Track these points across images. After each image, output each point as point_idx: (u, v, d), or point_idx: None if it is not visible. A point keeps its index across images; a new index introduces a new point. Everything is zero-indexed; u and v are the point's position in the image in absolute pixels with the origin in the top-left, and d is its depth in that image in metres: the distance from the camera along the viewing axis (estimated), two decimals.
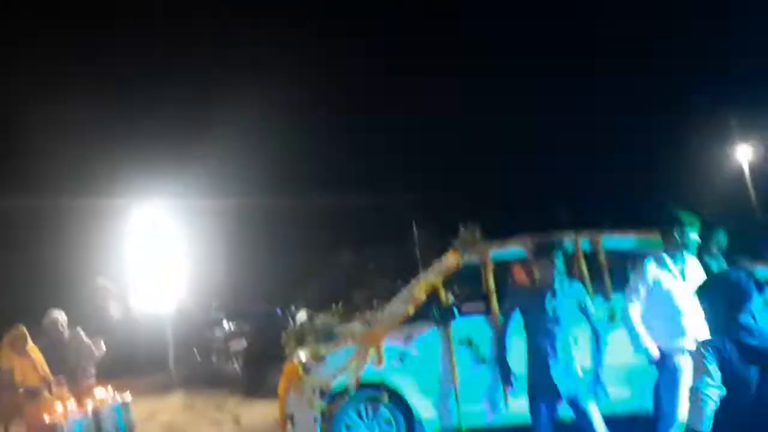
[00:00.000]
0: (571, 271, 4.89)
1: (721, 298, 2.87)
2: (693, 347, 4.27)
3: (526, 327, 4.35)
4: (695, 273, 4.55)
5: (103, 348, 7.11)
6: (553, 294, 4.23)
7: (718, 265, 5.40)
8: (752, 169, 15.23)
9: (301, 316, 9.45)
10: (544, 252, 4.34)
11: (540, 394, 4.26)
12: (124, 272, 11.58)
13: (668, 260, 4.50)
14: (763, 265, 5.60)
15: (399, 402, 5.54)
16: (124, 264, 11.61)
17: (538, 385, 4.26)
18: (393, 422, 5.54)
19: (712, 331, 2.90)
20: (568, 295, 4.28)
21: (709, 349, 2.78)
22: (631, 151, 14.21)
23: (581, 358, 4.33)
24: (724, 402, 2.69)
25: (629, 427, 4.88)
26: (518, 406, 5.39)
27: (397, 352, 5.61)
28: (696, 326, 4.36)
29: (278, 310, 11.92)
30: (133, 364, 10.83)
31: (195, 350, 12.54)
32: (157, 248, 11.58)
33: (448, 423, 5.56)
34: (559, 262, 4.29)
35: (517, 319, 4.44)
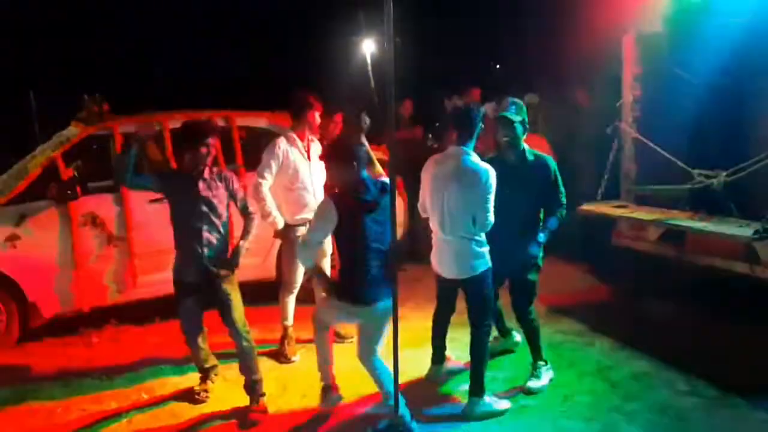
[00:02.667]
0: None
1: None
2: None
3: (175, 211, 4.03)
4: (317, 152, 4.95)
5: None
6: (204, 179, 3.98)
7: None
8: (373, 61, 17.51)
9: None
10: (192, 134, 3.96)
11: (189, 277, 4.04)
12: None
13: (296, 140, 4.78)
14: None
15: (10, 288, 5.00)
16: None
17: (187, 269, 4.04)
18: (2, 310, 5.01)
19: None
20: (218, 179, 4.05)
21: None
22: (268, 41, 14.60)
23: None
24: None
25: (255, 290, 5.23)
26: (146, 283, 5.40)
27: (8, 234, 4.99)
28: (316, 200, 4.82)
29: None
30: None
31: None
32: None
33: (68, 305, 5.25)
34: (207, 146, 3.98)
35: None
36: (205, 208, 3.96)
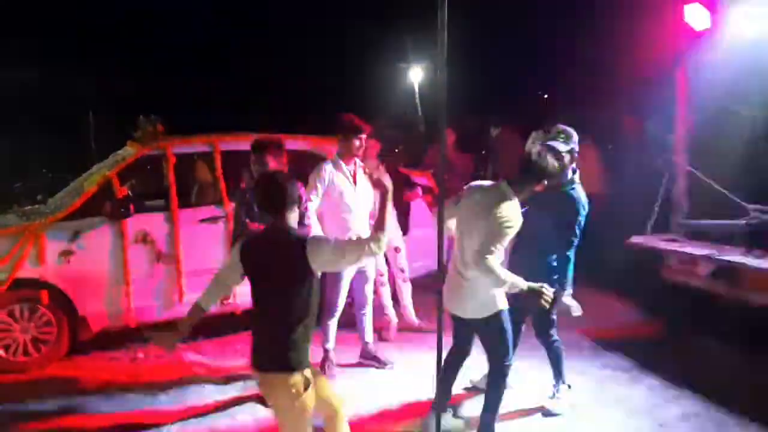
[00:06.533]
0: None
1: None
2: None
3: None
4: (363, 177, 4.99)
5: None
6: None
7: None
8: (420, 88, 17.88)
9: None
10: (256, 152, 4.27)
11: None
12: None
13: (342, 164, 4.83)
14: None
15: (62, 301, 5.14)
16: None
17: None
18: (54, 323, 5.15)
19: None
20: None
21: None
22: (317, 68, 15.05)
23: None
24: None
25: None
26: (192, 302, 5.46)
27: (62, 249, 5.14)
28: (361, 223, 4.86)
29: None
30: None
31: None
32: None
33: (116, 320, 5.36)
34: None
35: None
36: None
